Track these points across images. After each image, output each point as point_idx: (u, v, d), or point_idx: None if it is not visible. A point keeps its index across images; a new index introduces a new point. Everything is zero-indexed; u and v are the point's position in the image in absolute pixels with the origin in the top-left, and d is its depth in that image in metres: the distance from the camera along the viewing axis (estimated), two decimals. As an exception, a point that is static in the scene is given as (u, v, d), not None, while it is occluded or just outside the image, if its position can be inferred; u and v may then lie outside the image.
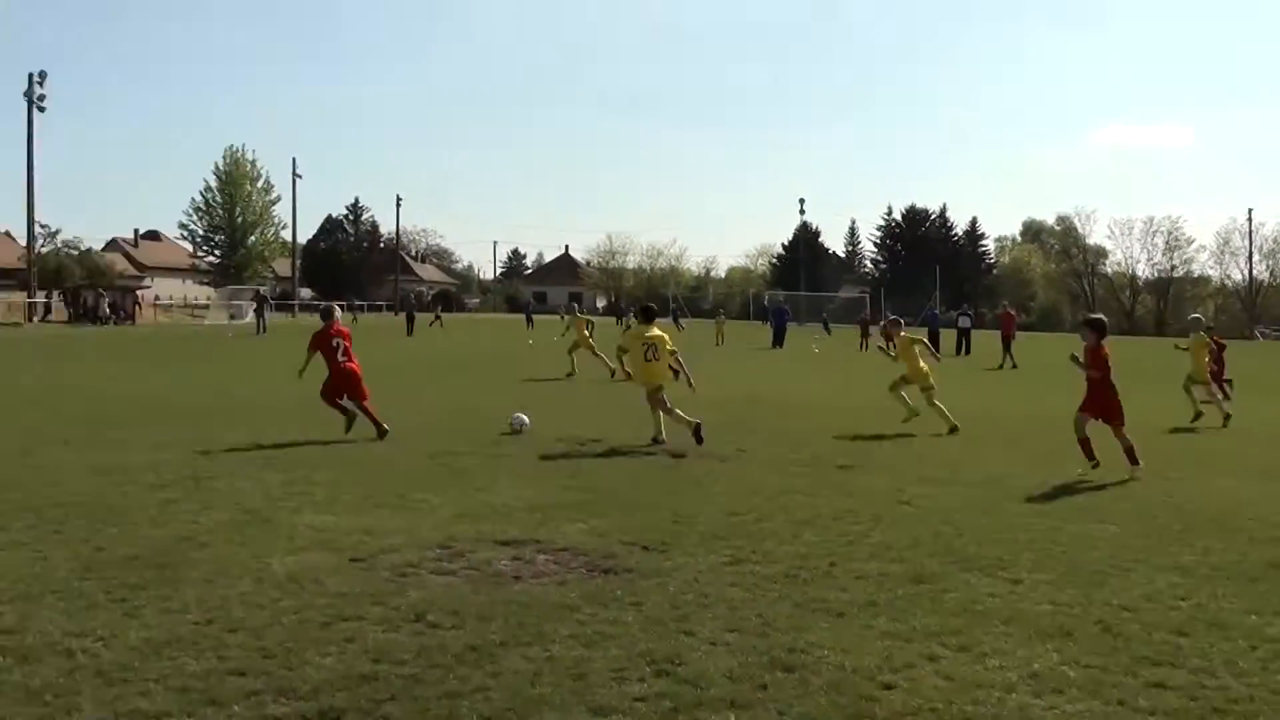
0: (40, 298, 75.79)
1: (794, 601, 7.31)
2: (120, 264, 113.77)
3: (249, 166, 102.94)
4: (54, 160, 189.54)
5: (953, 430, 16.98)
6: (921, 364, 17.85)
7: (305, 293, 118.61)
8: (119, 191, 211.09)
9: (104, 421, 16.64)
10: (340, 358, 15.44)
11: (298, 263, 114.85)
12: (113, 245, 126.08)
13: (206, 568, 7.89)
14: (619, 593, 7.41)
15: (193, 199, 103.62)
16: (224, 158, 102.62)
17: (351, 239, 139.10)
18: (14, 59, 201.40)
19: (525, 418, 16.28)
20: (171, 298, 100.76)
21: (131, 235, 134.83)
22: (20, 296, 76.21)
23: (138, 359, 35.69)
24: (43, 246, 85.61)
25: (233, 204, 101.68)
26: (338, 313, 16.60)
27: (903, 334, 18.53)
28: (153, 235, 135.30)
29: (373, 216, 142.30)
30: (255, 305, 64.94)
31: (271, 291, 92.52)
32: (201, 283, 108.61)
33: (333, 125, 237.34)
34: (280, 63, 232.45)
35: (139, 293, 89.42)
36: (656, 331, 15.86)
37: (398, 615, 6.83)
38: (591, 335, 29.67)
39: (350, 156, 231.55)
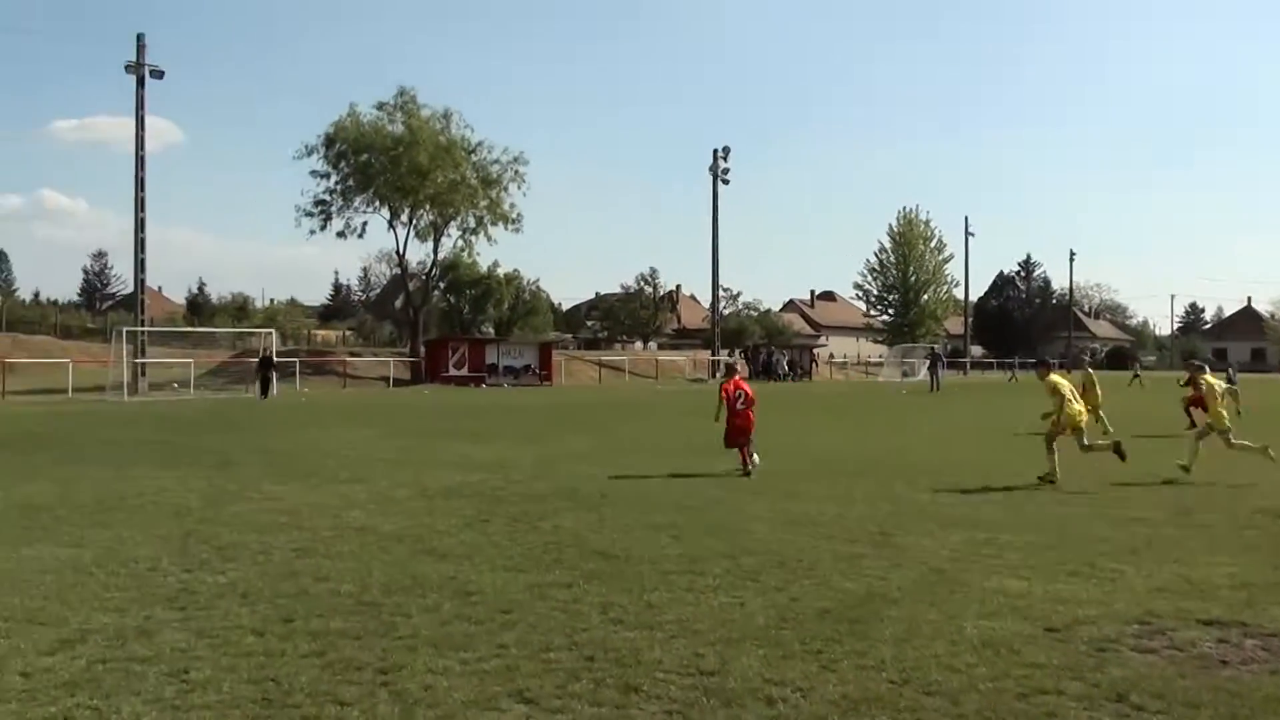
0: (724, 356, 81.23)
1: None
2: (797, 323, 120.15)
3: (922, 226, 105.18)
4: (736, 228, 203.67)
5: (1265, 450, 16.62)
6: (1221, 408, 17.45)
7: (976, 350, 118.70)
8: (796, 255, 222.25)
9: (788, 474, 17.30)
10: (740, 406, 17.52)
11: (969, 320, 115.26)
12: (790, 306, 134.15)
13: (898, 626, 7.89)
14: (1340, 688, 6.57)
15: (867, 260, 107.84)
16: (898, 219, 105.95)
17: (1023, 295, 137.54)
18: (701, 138, 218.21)
19: (757, 458, 17.44)
20: (846, 356, 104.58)
21: (808, 296, 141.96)
22: (705, 354, 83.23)
23: (815, 413, 37.28)
24: (725, 308, 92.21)
25: (906, 264, 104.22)
26: (738, 370, 19.23)
27: (1206, 376, 18.14)
28: (828, 296, 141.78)
29: (1044, 272, 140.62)
30: (928, 363, 65.85)
31: (944, 349, 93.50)
32: (875, 340, 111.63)
33: (1006, 183, 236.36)
34: (950, 121, 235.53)
35: (815, 351, 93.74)
36: (1062, 379, 17.24)
37: (1098, 693, 6.46)
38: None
39: (1022, 213, 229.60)
